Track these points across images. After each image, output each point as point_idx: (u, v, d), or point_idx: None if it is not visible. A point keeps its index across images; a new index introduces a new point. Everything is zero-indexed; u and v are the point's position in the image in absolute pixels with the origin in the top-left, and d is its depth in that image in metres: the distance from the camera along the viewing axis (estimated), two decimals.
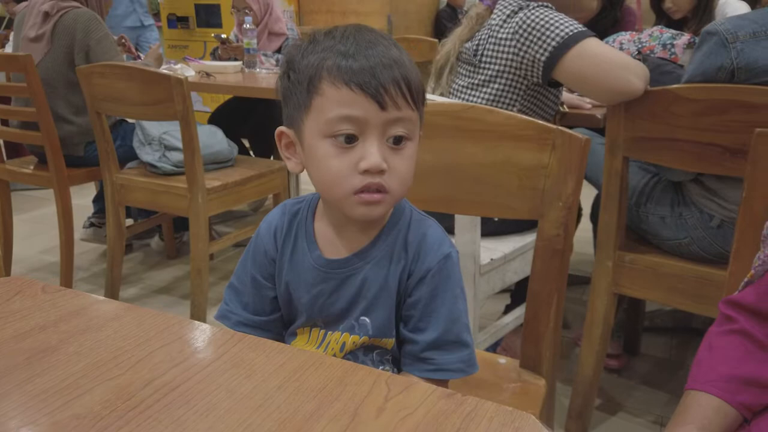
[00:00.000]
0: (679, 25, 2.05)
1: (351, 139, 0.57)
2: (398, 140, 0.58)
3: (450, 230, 1.18)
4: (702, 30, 1.15)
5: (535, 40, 1.23)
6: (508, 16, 1.28)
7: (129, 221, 2.16)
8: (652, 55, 1.52)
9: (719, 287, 1.13)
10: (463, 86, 1.37)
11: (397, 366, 0.68)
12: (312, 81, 0.58)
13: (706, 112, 1.08)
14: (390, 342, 0.66)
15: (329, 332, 0.67)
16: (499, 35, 1.28)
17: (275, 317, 0.70)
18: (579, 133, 0.76)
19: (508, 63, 1.28)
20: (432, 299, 0.63)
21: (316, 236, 0.67)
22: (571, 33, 1.20)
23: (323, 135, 0.58)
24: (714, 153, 1.09)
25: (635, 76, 1.15)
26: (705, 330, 0.76)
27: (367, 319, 0.65)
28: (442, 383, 0.64)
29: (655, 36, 1.56)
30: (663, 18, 2.14)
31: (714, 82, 1.10)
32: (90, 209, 2.47)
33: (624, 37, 1.60)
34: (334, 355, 0.66)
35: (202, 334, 0.55)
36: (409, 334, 0.64)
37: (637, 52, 1.53)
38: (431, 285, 0.63)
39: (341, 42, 0.58)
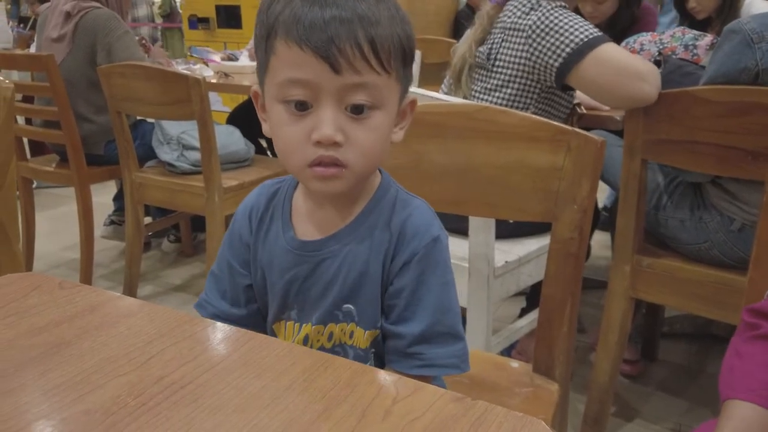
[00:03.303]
0: (702, 25, 2.01)
1: (303, 106, 0.52)
2: (358, 109, 0.52)
3: (464, 231, 1.17)
4: (725, 28, 1.12)
5: (548, 45, 1.21)
6: (520, 17, 1.27)
7: (148, 219, 2.19)
8: (673, 56, 1.49)
9: (740, 293, 1.11)
10: (478, 90, 1.36)
11: (380, 361, 0.63)
12: (269, 38, 0.52)
13: (728, 114, 1.06)
14: (374, 333, 0.61)
15: (303, 324, 0.62)
16: (512, 38, 1.27)
17: (252, 311, 0.65)
18: (594, 135, 0.75)
19: (521, 67, 1.27)
20: (418, 286, 0.57)
21: (293, 216, 0.62)
22: (585, 39, 1.19)
23: (277, 99, 0.53)
24: (735, 156, 1.07)
25: (648, 84, 1.14)
26: (725, 337, 0.74)
27: (352, 306, 0.60)
28: (431, 381, 0.59)
29: (677, 37, 1.53)
30: (686, 18, 2.11)
31: (736, 84, 1.07)
32: (111, 207, 2.51)
33: (645, 38, 1.57)
34: (322, 346, 0.62)
35: (213, 332, 0.55)
36: (392, 327, 0.58)
37: (658, 53, 1.51)
38: (417, 271, 0.57)
39: None
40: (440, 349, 0.58)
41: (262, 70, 0.55)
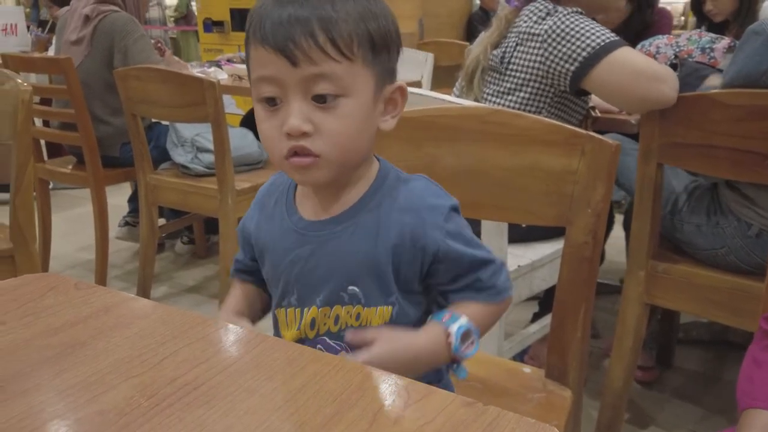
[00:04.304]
0: (720, 28, 1.99)
1: (273, 102, 0.55)
2: (322, 99, 0.54)
3: (476, 235, 1.16)
4: (747, 29, 1.11)
5: (564, 50, 1.21)
6: (536, 22, 1.26)
7: (162, 221, 2.21)
8: (690, 60, 1.48)
9: (757, 300, 1.09)
10: (490, 93, 1.36)
11: None
12: (247, 46, 0.57)
13: (746, 118, 1.04)
14: (387, 311, 0.61)
15: (306, 309, 0.63)
16: (527, 43, 1.27)
17: None
18: (609, 139, 0.74)
19: (535, 71, 1.27)
20: (465, 248, 0.60)
21: (298, 200, 0.64)
22: (602, 43, 1.18)
23: (255, 99, 0.57)
24: (752, 160, 1.05)
25: (667, 86, 1.13)
26: (743, 344, 0.73)
27: (357, 289, 0.60)
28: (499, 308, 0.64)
29: (693, 39, 1.52)
30: (704, 21, 2.09)
31: (757, 86, 1.06)
32: (125, 209, 2.53)
33: (661, 40, 1.56)
34: (329, 330, 0.63)
35: (225, 334, 0.55)
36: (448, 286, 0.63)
37: (674, 57, 1.50)
38: (451, 237, 0.60)
39: None
40: (500, 275, 0.63)
41: (249, 75, 0.59)
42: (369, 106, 0.57)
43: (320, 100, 0.54)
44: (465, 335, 0.60)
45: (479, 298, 0.62)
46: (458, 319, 0.61)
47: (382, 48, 0.57)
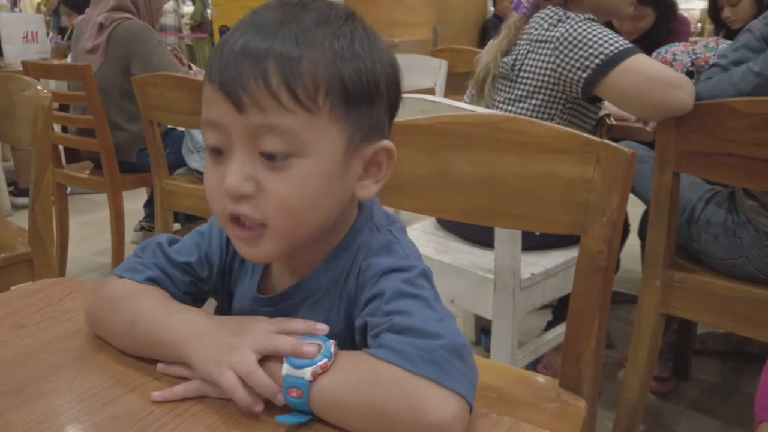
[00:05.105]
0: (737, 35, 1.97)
1: (217, 151, 0.45)
2: (270, 156, 0.44)
3: (489, 243, 1.16)
4: None
5: (576, 56, 1.20)
6: (546, 29, 1.26)
7: (176, 226, 2.23)
8: (706, 67, 1.46)
9: None
10: (501, 101, 1.35)
11: None
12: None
13: (763, 126, 1.03)
14: None
15: None
16: (539, 50, 1.26)
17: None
18: (625, 147, 0.73)
19: (547, 78, 1.26)
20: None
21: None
22: (615, 50, 1.17)
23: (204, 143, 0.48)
24: None
25: (683, 91, 1.12)
26: (761, 355, 0.72)
27: None
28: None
29: (710, 47, 1.50)
30: (722, 28, 2.07)
31: None
32: (141, 213, 2.56)
33: (677, 47, 1.55)
34: None
35: None
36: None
37: (690, 64, 1.48)
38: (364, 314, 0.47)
39: (250, 20, 0.45)
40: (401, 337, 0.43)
41: None
42: (334, 169, 0.46)
43: (269, 157, 0.44)
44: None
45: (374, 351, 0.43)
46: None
47: (360, 100, 0.45)
